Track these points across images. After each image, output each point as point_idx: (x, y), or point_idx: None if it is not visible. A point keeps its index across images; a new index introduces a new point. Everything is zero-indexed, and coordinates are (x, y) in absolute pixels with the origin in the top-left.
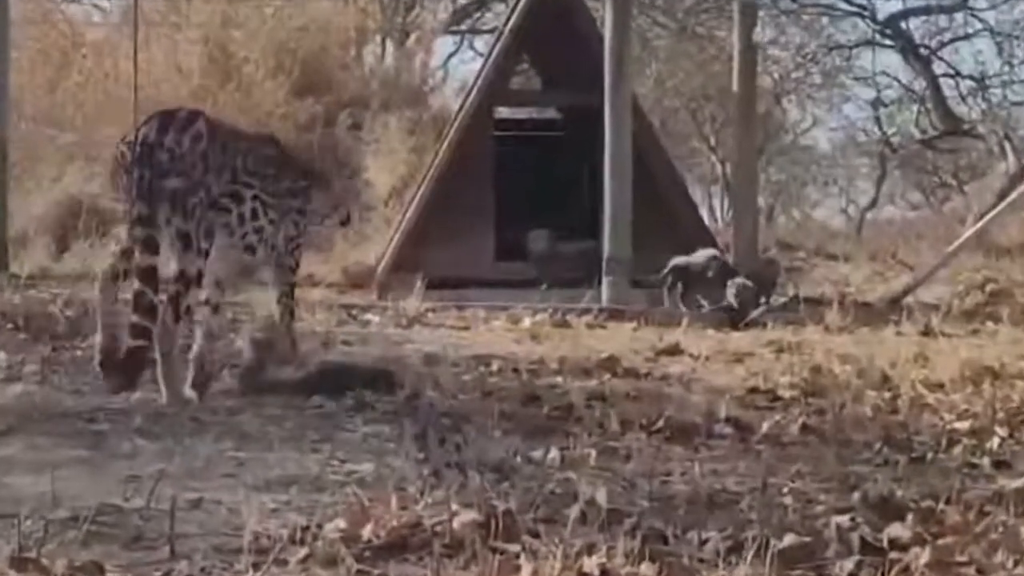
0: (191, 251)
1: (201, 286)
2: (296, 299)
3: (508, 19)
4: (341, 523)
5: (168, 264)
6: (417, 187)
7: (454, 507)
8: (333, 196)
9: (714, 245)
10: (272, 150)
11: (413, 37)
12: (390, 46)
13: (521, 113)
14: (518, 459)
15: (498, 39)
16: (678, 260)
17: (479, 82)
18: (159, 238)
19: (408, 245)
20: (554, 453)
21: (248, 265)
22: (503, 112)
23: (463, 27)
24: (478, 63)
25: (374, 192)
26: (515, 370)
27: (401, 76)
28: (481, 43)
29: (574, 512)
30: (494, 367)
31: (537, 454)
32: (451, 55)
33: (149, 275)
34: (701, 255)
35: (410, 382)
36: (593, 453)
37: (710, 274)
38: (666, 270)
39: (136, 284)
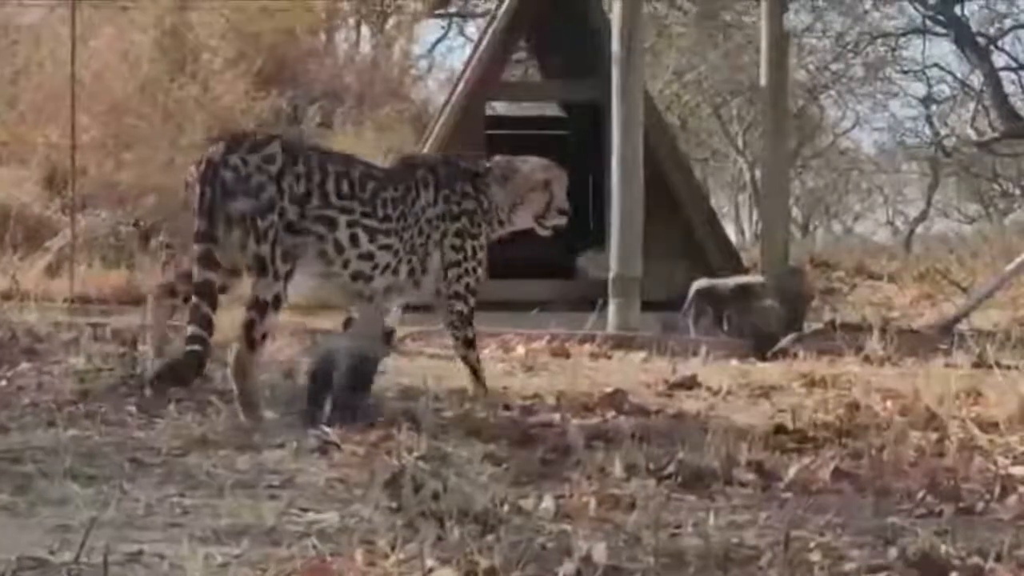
0: (266, 276)
1: (279, 311)
2: (468, 331)
3: (502, 0)
4: None
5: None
6: None
7: (429, 563)
8: (526, 192)
9: (739, 262)
10: (381, 173)
11: (393, 21)
12: (366, 31)
13: (518, 109)
14: (505, 508)
15: (491, 24)
16: (701, 283)
17: (468, 73)
18: (218, 255)
19: None
20: (547, 502)
21: (372, 293)
22: (497, 108)
23: (451, 9)
24: (468, 51)
25: None
26: (506, 406)
27: (378, 66)
28: (473, 28)
29: (568, 569)
30: (481, 402)
31: (527, 503)
32: (437, 41)
33: (205, 289)
34: (733, 280)
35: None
36: (592, 502)
37: (739, 298)
38: (689, 296)
39: (193, 298)
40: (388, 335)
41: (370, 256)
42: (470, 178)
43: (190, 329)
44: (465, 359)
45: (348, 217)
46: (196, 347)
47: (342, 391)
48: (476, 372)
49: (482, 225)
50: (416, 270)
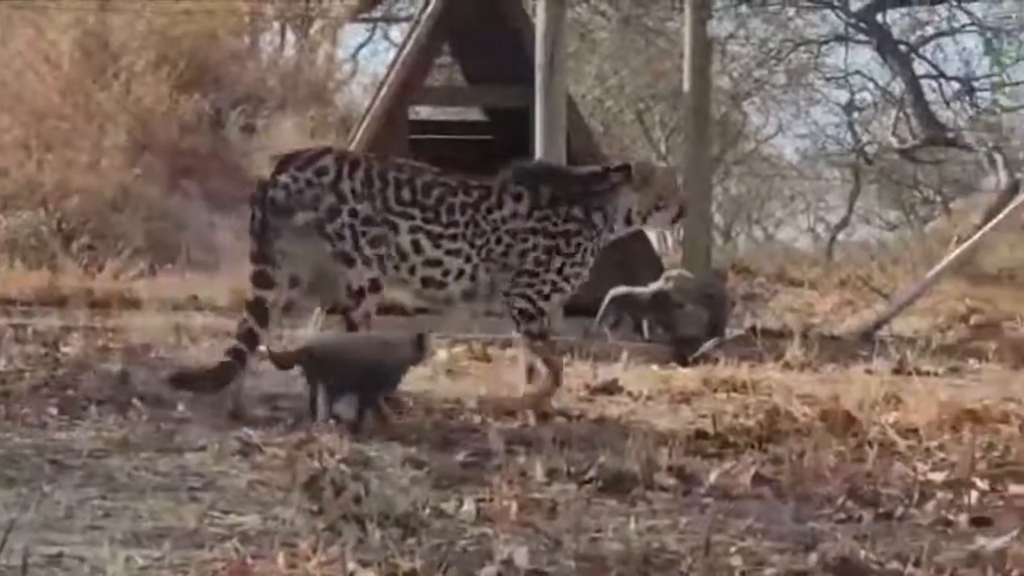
0: (355, 266)
1: (378, 293)
2: (532, 325)
3: (426, 5)
4: None
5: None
6: None
7: (351, 566)
8: (667, 196)
9: (661, 268)
10: (456, 180)
11: (317, 25)
12: (291, 35)
13: (442, 114)
14: (426, 512)
15: (415, 28)
16: (618, 291)
17: (392, 77)
18: (273, 274)
19: None
20: (469, 505)
21: (447, 298)
22: (421, 112)
23: (376, 14)
24: (392, 55)
25: None
26: (427, 410)
27: (302, 70)
28: (397, 32)
29: (489, 573)
30: (402, 406)
31: (449, 506)
32: (361, 46)
33: (256, 307)
34: (655, 285)
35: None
36: (514, 506)
37: (657, 304)
38: (605, 304)
39: (244, 313)
40: (420, 339)
41: (438, 262)
42: (583, 189)
43: (233, 343)
44: (532, 350)
45: (409, 223)
46: (230, 359)
47: (361, 389)
48: (545, 366)
49: (582, 243)
50: (496, 278)
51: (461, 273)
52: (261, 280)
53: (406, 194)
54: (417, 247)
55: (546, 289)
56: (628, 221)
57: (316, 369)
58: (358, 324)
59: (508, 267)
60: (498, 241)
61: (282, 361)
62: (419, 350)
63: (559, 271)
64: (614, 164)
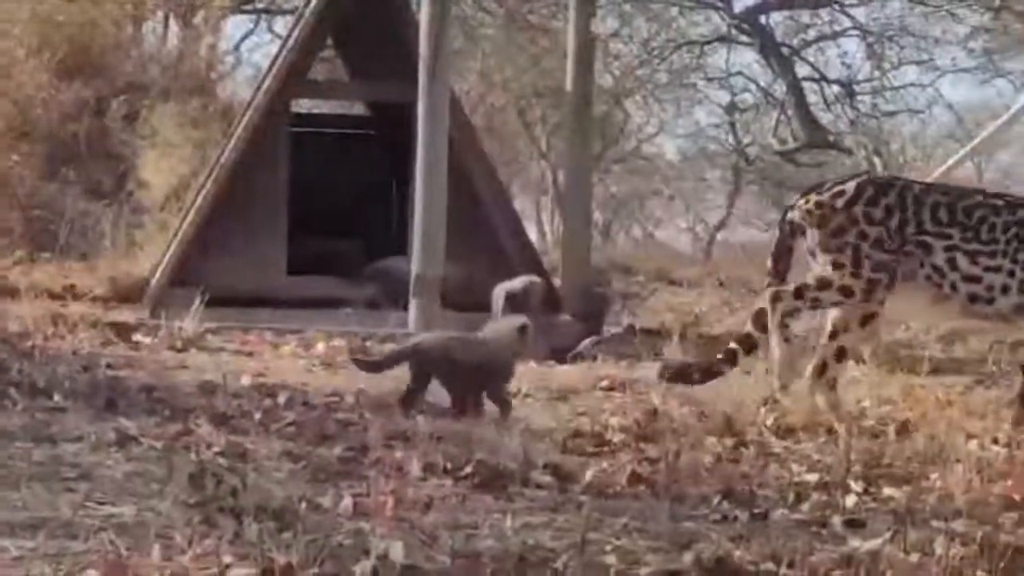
0: (853, 297)
1: (866, 327)
2: None
3: None
4: (94, 574)
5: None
6: (199, 188)
7: (226, 559)
8: None
9: (539, 265)
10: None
11: (200, 15)
12: (174, 24)
13: (324, 107)
14: (303, 505)
15: (298, 21)
16: (508, 286)
17: (275, 70)
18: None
19: (187, 255)
20: (345, 500)
21: (996, 313)
22: (303, 105)
23: (259, 5)
24: (275, 47)
25: (149, 193)
26: (305, 403)
27: (185, 60)
28: (280, 24)
29: (365, 568)
30: (280, 399)
31: (325, 500)
32: (244, 37)
33: (757, 318)
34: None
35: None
36: (390, 501)
37: (532, 301)
38: (500, 300)
39: (748, 325)
40: (523, 331)
41: (978, 279)
42: None
43: (731, 344)
44: None
45: (945, 243)
46: (721, 356)
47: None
48: None
49: None
50: None
51: (1006, 289)
52: (772, 294)
53: (943, 214)
54: (953, 264)
55: None
56: None
57: (428, 367)
58: (842, 358)
59: None
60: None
61: (373, 367)
62: (522, 342)
63: None
64: None
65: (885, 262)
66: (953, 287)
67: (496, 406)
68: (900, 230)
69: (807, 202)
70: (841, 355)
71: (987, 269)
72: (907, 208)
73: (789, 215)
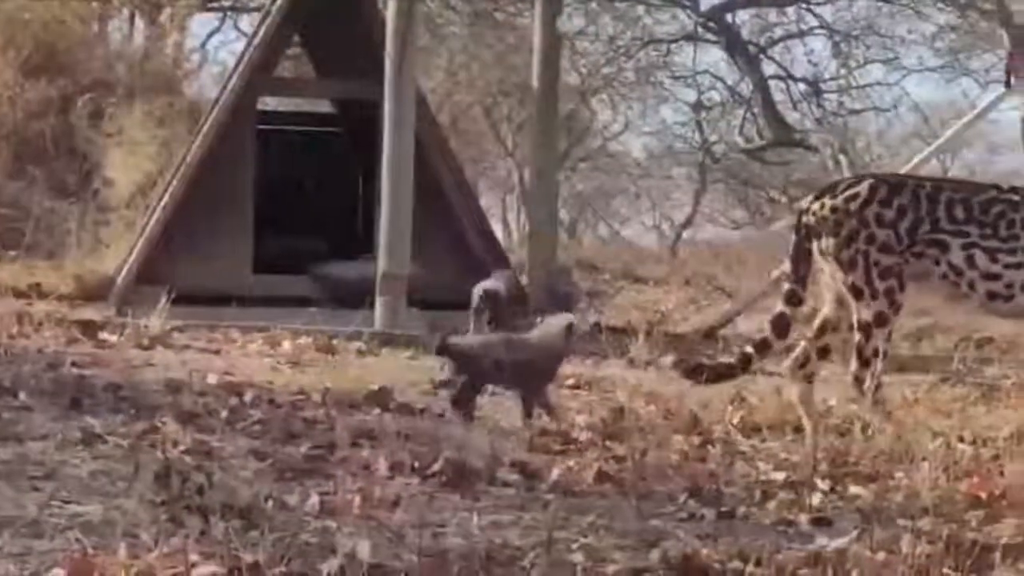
0: (863, 299)
1: (885, 327)
2: None
3: None
4: (60, 573)
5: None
6: (165, 186)
7: (193, 557)
8: None
9: (505, 263)
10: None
11: (166, 13)
12: (140, 22)
13: (290, 105)
14: (270, 504)
15: (264, 18)
16: (487, 284)
17: (241, 67)
18: (801, 293)
19: (153, 253)
20: (312, 498)
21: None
22: (269, 103)
23: (225, 3)
24: (242, 45)
25: (115, 191)
26: (271, 401)
27: (151, 58)
28: (246, 22)
29: (332, 566)
30: (247, 397)
31: (292, 498)
32: (210, 35)
33: (778, 321)
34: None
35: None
36: (357, 499)
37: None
38: (477, 297)
39: (767, 325)
40: (568, 329)
41: (997, 277)
42: None
43: (747, 348)
44: None
45: (962, 240)
46: (731, 360)
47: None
48: None
49: None
50: None
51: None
52: (790, 298)
53: (959, 212)
54: (971, 262)
55: None
56: None
57: (480, 366)
58: (869, 360)
59: None
60: None
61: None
62: (568, 341)
63: None
64: None
65: (890, 266)
66: (971, 285)
67: (539, 408)
68: (912, 231)
69: (822, 207)
70: (825, 352)
71: (1007, 266)
72: (920, 207)
73: (804, 219)
